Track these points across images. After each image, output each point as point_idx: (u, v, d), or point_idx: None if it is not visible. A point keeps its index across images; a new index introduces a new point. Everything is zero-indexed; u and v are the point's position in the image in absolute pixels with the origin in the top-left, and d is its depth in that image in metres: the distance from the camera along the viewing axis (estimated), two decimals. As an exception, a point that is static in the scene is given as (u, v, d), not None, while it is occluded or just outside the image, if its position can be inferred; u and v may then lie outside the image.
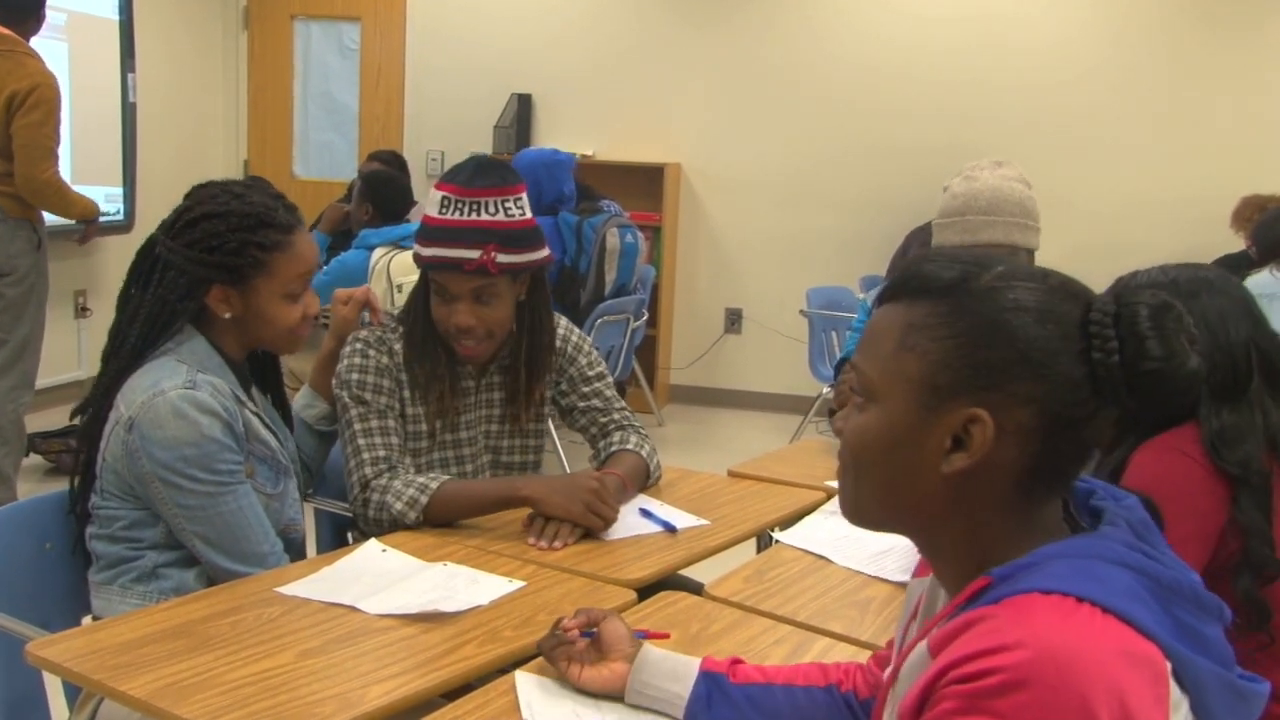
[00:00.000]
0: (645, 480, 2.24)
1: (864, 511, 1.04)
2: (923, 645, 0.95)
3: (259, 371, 2.03)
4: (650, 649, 1.37)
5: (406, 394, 2.11)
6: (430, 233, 2.08)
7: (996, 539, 0.96)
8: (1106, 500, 1.00)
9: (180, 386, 1.76)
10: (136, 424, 1.75)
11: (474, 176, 2.07)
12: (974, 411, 0.93)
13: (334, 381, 2.12)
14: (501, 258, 2.03)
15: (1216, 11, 5.86)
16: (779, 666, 1.35)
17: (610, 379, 2.34)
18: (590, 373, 2.29)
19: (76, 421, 1.90)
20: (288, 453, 1.99)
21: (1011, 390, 0.93)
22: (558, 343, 2.26)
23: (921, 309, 0.97)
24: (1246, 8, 5.84)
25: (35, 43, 4.10)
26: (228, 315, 1.86)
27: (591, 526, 1.95)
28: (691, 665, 1.33)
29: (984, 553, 0.96)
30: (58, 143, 4.03)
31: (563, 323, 2.30)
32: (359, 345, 2.11)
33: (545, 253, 2.14)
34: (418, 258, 2.10)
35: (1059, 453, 0.95)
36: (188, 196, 1.89)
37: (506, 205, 2.06)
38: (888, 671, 1.09)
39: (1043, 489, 0.96)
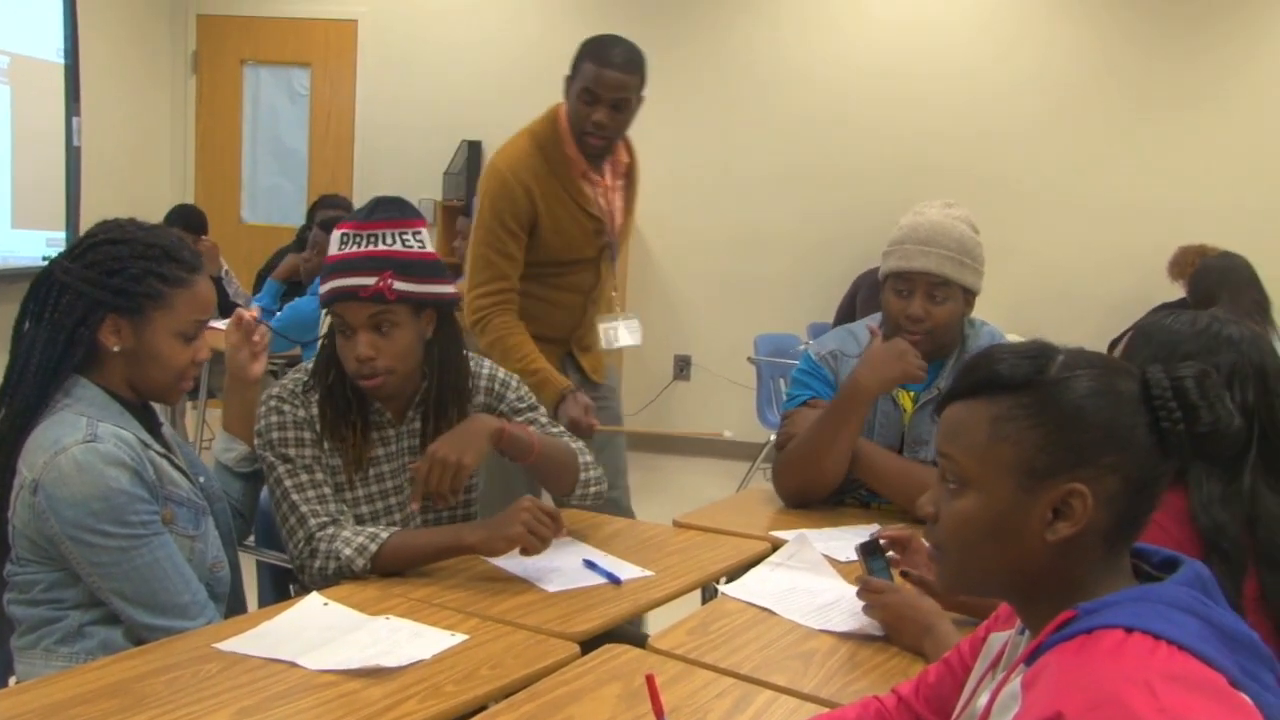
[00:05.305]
0: (572, 465, 2.25)
1: (969, 583, 1.19)
2: (1015, 684, 1.07)
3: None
4: None
5: (326, 445, 2.10)
6: (329, 269, 2.07)
7: (1085, 584, 1.10)
8: (1178, 557, 1.13)
9: (81, 441, 1.71)
10: (41, 485, 1.70)
11: (372, 212, 2.08)
12: (1074, 486, 1.07)
13: (256, 441, 2.11)
14: (399, 284, 2.03)
15: (1158, 77, 6.04)
16: None
17: (543, 409, 2.33)
18: (521, 405, 2.28)
19: None
20: (203, 490, 1.94)
21: (1101, 463, 1.07)
22: (484, 381, 2.25)
23: (1004, 403, 1.11)
24: (1186, 73, 6.02)
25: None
26: (116, 349, 1.79)
27: (529, 546, 1.97)
28: None
29: (1073, 597, 1.09)
30: None
31: (486, 363, 2.30)
32: (273, 402, 2.10)
33: (449, 288, 2.13)
34: (321, 299, 2.10)
35: (1138, 508, 1.10)
36: (94, 227, 1.85)
37: (404, 237, 2.07)
38: (955, 714, 1.22)
39: (1124, 540, 1.12)
